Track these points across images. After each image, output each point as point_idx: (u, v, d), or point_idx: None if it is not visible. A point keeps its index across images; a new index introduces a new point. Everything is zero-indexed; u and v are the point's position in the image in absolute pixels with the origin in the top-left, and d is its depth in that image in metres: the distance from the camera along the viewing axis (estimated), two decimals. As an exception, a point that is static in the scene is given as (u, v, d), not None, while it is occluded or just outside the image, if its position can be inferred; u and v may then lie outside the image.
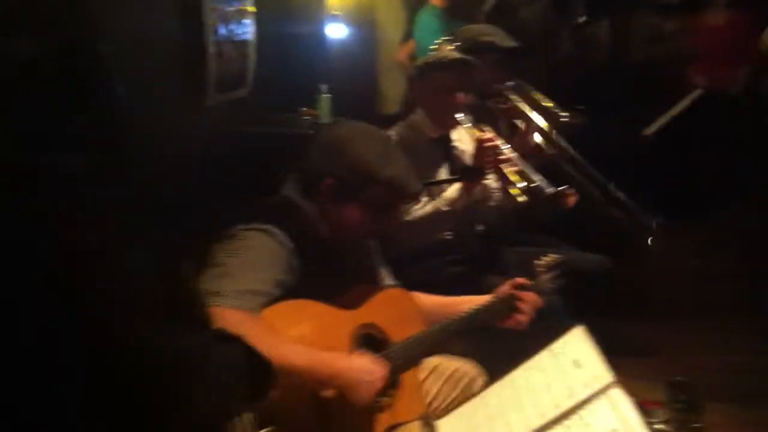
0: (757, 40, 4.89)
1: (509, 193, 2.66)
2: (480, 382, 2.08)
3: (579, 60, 5.40)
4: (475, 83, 2.85)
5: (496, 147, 2.60)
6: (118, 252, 0.80)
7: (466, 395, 1.98)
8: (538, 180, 2.56)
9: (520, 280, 2.13)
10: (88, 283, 0.74)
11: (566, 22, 5.68)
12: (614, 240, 3.51)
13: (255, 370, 1.11)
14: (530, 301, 2.10)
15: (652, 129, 4.30)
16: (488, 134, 2.68)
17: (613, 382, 1.49)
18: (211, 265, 1.70)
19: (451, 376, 2.12)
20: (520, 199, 2.58)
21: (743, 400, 3.07)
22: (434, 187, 2.72)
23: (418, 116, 2.86)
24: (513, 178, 2.61)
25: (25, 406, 0.70)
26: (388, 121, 2.99)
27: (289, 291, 1.75)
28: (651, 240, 3.74)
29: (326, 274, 1.85)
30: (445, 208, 2.64)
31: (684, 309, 3.97)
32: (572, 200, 2.63)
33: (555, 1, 5.53)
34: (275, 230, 1.77)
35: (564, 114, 3.11)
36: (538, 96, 3.21)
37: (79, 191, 0.77)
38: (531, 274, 2.20)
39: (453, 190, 2.65)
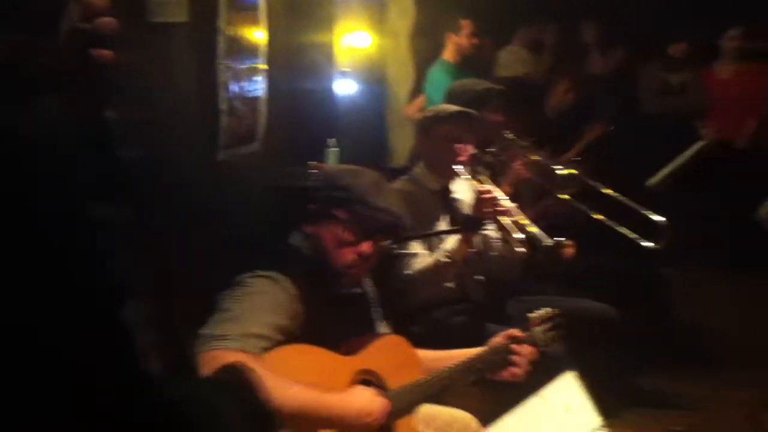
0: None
1: (510, 243, 2.71)
2: (473, 431, 2.10)
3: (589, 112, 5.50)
4: (475, 135, 2.93)
5: (495, 198, 2.65)
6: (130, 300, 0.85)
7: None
8: (536, 231, 2.60)
9: (514, 332, 2.17)
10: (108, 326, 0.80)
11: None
12: (632, 289, 3.55)
13: (256, 415, 1.16)
14: (525, 353, 2.13)
15: (656, 179, 4.34)
16: (487, 185, 2.75)
17: (602, 428, 1.52)
18: (216, 310, 1.77)
19: (445, 424, 2.15)
20: (520, 249, 2.62)
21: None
22: (435, 240, 2.78)
23: (419, 169, 2.94)
24: (512, 229, 2.65)
25: None
26: (397, 174, 3.07)
27: (292, 336, 1.81)
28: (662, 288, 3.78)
29: (328, 321, 1.91)
30: (445, 260, 2.69)
31: (703, 360, 3.98)
32: (571, 251, 2.66)
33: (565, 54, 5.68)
34: (279, 276, 1.84)
35: (558, 167, 3.20)
36: (533, 149, 3.29)
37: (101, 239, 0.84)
38: (525, 326, 2.26)
39: (453, 241, 2.71)
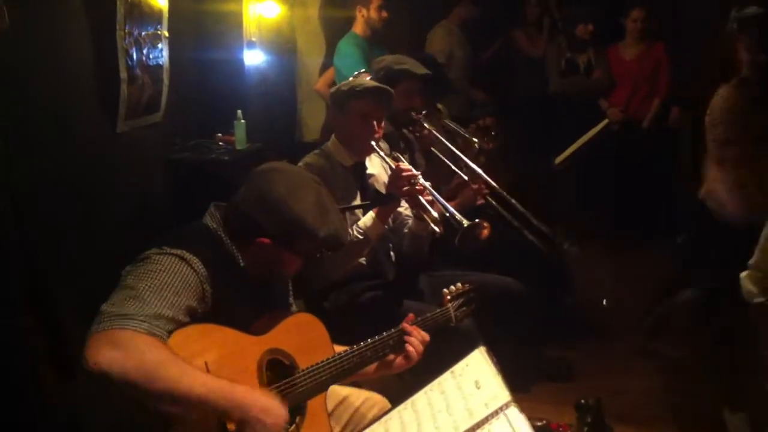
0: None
1: (424, 221, 2.68)
2: (383, 409, 2.09)
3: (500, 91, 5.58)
4: (391, 112, 2.89)
5: (412, 176, 2.62)
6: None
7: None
8: (452, 211, 2.57)
9: (411, 316, 2.18)
10: None
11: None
12: (536, 265, 3.61)
13: None
14: (421, 336, 2.14)
15: (561, 158, 4.44)
16: (404, 163, 2.72)
17: (510, 401, 1.53)
18: (120, 287, 1.67)
19: (360, 406, 2.14)
20: (436, 228, 2.60)
21: (649, 421, 3.18)
22: (348, 216, 2.73)
23: (332, 144, 2.87)
24: (427, 207, 2.62)
25: None
26: (308, 149, 2.99)
27: (199, 317, 1.73)
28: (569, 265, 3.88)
29: (238, 301, 1.84)
30: (359, 236, 2.65)
31: (603, 333, 4.09)
32: (486, 233, 2.65)
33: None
34: (189, 256, 1.74)
35: (475, 140, 3.21)
36: (451, 124, 3.28)
37: None
38: (440, 302, 2.25)
39: (367, 218, 2.67)
